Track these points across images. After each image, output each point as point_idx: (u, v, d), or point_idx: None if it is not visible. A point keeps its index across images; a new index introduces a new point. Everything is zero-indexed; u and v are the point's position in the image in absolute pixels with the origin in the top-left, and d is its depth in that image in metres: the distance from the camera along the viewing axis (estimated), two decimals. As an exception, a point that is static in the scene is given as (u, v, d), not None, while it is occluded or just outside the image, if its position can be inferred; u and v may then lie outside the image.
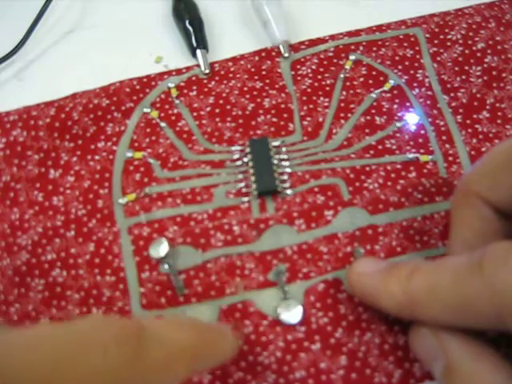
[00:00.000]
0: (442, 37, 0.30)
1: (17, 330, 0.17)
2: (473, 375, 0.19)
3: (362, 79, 0.30)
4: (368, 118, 0.28)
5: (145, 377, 0.18)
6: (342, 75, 0.30)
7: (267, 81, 0.30)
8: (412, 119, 0.28)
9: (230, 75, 0.30)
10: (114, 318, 0.18)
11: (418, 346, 0.22)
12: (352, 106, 0.29)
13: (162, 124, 0.29)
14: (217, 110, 0.29)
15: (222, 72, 0.30)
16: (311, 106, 0.29)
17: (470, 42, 0.30)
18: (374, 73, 0.30)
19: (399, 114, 0.29)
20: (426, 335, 0.21)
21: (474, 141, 0.28)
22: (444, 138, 0.28)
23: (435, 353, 0.20)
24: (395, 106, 0.29)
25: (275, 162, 0.27)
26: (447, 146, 0.28)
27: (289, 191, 0.27)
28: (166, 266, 0.25)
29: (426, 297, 0.20)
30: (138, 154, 0.28)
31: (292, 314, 0.24)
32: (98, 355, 0.16)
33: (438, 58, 0.30)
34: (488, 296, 0.18)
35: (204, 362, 0.21)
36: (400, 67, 0.30)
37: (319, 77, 0.30)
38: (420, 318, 0.20)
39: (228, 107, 0.29)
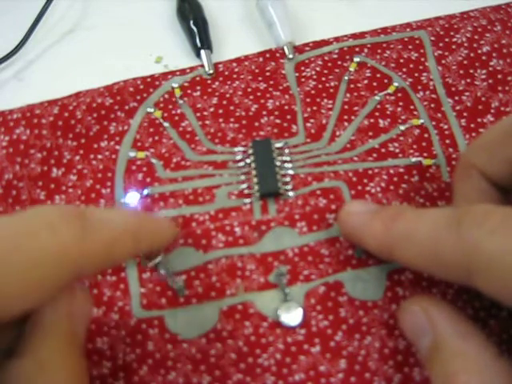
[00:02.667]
0: (447, 40, 0.30)
1: None
2: (460, 353, 0.19)
3: (366, 81, 0.29)
4: (372, 120, 0.28)
5: (91, 258, 0.18)
6: (346, 77, 0.30)
7: (271, 82, 0.30)
8: (416, 122, 0.28)
9: (234, 76, 0.30)
10: (57, 205, 0.19)
11: (406, 323, 0.22)
12: (356, 108, 0.29)
13: (166, 124, 0.29)
14: (220, 111, 0.29)
15: (226, 73, 0.30)
16: (315, 108, 0.29)
17: (475, 45, 0.30)
18: (378, 75, 0.30)
19: (403, 117, 0.28)
20: (415, 312, 0.21)
21: (478, 145, 0.28)
22: (448, 141, 0.28)
23: (423, 330, 0.21)
24: (399, 109, 0.29)
25: (278, 163, 0.27)
26: (450, 149, 0.28)
27: (291, 193, 0.27)
28: (162, 272, 0.25)
29: (405, 241, 0.21)
30: (141, 154, 0.28)
31: (292, 317, 0.24)
32: (48, 234, 0.17)
33: (443, 61, 0.30)
34: (460, 252, 0.18)
35: (144, 245, 0.22)
36: (404, 70, 0.30)
37: (323, 79, 0.30)
38: (396, 259, 0.21)
39: (231, 108, 0.29)
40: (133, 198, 0.27)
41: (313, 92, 0.29)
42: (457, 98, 0.29)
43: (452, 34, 0.30)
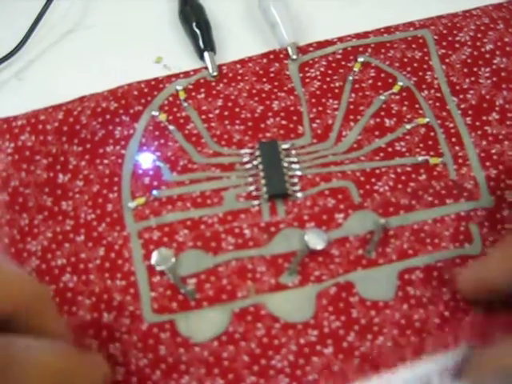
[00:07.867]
0: (450, 38, 0.30)
1: None
2: None
3: (370, 81, 0.29)
4: (377, 120, 0.28)
5: None
6: (350, 77, 0.30)
7: (276, 83, 0.30)
8: (421, 121, 0.28)
9: (239, 77, 0.30)
10: None
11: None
12: (361, 108, 0.29)
13: (171, 127, 0.29)
14: (225, 113, 0.29)
15: (230, 74, 0.30)
16: (320, 109, 0.29)
17: (478, 44, 0.30)
18: (382, 75, 0.30)
19: (408, 116, 0.29)
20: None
21: (484, 143, 0.28)
22: (453, 140, 0.28)
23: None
24: (404, 108, 0.29)
25: (285, 164, 0.27)
26: (457, 148, 0.28)
27: (299, 194, 0.27)
28: (170, 278, 0.25)
29: None
30: (147, 158, 0.28)
31: (319, 241, 0.25)
32: None
33: (447, 60, 0.30)
34: None
35: None
36: (408, 69, 0.30)
37: (328, 79, 0.30)
38: None
39: (237, 110, 0.29)
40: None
41: (318, 92, 0.29)
42: (461, 96, 0.29)
43: (455, 32, 0.31)
